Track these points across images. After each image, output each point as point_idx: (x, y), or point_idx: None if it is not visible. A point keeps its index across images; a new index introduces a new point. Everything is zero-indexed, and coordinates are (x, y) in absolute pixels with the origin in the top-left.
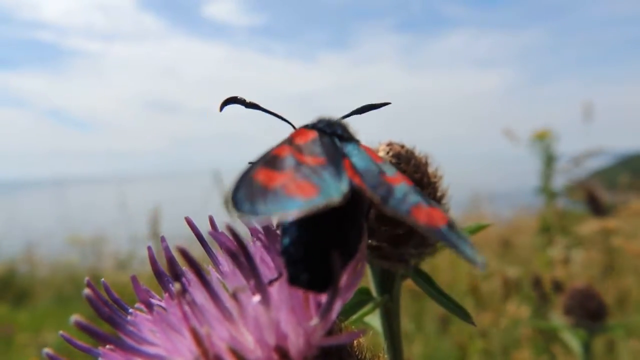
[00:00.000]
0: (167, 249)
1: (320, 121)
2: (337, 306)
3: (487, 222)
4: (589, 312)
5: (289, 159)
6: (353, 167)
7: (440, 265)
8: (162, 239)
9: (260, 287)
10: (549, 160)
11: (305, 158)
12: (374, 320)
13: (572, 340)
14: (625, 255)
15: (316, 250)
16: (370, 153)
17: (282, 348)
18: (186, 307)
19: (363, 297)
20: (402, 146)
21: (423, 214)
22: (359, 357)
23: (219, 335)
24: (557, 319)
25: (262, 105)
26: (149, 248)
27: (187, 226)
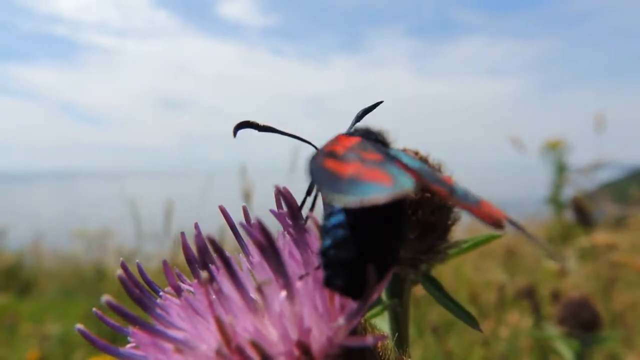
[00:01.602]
0: (198, 237)
1: (359, 129)
2: (362, 309)
3: (498, 232)
4: (583, 322)
5: (349, 154)
6: (406, 166)
7: (444, 273)
8: (196, 226)
9: (286, 281)
10: (561, 170)
11: (364, 154)
12: (383, 323)
13: (565, 351)
14: (629, 269)
15: (357, 257)
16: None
17: (304, 344)
18: (213, 296)
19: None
20: (416, 153)
21: (488, 208)
22: (383, 358)
23: (243, 326)
24: (551, 329)
25: (276, 126)
26: (182, 234)
27: (194, 224)
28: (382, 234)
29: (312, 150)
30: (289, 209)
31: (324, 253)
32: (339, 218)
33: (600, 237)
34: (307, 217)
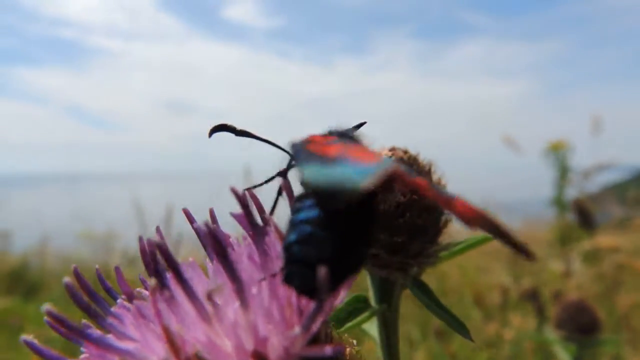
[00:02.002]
0: (149, 243)
1: (333, 131)
2: (321, 318)
3: (482, 236)
4: (581, 326)
5: (330, 142)
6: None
7: (449, 272)
8: (157, 229)
9: (239, 288)
10: (564, 171)
11: (344, 144)
12: (372, 329)
13: (563, 354)
14: (633, 271)
15: (321, 256)
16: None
17: (261, 354)
18: (162, 304)
19: (360, 304)
20: (405, 152)
21: (463, 205)
22: None
23: (195, 336)
24: (550, 332)
25: (253, 131)
26: (140, 239)
27: (156, 227)
28: (351, 234)
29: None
30: (245, 211)
31: (287, 248)
32: (307, 214)
33: (604, 240)
34: (267, 220)
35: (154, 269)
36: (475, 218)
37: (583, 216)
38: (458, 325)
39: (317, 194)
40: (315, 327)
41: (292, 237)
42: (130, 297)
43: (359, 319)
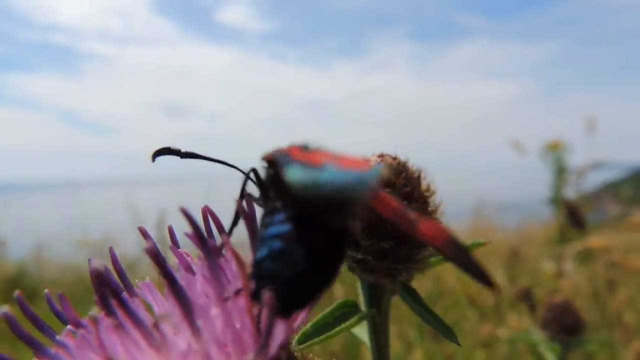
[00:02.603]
0: (92, 270)
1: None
2: (277, 341)
3: (484, 240)
4: (565, 326)
5: (311, 150)
6: None
7: (445, 274)
8: (110, 250)
9: (189, 314)
10: (560, 171)
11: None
12: (362, 333)
13: (548, 354)
14: (626, 270)
15: (292, 270)
16: None
17: None
18: (103, 335)
19: (348, 309)
20: (394, 158)
21: (428, 224)
22: None
23: None
24: (536, 332)
25: (199, 152)
26: (90, 261)
27: (109, 248)
28: (324, 249)
29: (241, 175)
30: (194, 230)
31: (257, 264)
32: (278, 228)
33: (595, 240)
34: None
35: (100, 295)
36: (441, 238)
37: (573, 216)
38: (446, 331)
39: (306, 204)
40: (270, 350)
41: (263, 252)
42: (77, 324)
43: (347, 323)
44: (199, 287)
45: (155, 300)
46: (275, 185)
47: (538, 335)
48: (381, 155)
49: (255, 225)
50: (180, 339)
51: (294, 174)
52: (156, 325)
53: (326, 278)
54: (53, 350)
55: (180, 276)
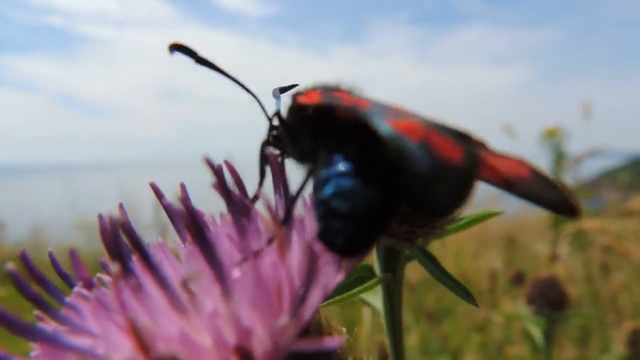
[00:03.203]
0: (111, 221)
1: (324, 86)
2: (314, 301)
3: (496, 211)
4: (550, 301)
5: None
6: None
7: (445, 260)
8: (121, 206)
9: (219, 273)
10: (559, 157)
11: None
12: (376, 299)
13: (534, 329)
14: (620, 254)
15: (365, 208)
16: None
17: (244, 349)
18: (128, 294)
19: (365, 273)
20: None
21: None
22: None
23: (167, 330)
24: (523, 309)
25: (216, 64)
26: (100, 217)
27: (118, 204)
28: (388, 190)
29: (254, 100)
30: (219, 182)
31: (323, 202)
32: (342, 167)
33: (590, 223)
34: (254, 196)
35: (116, 252)
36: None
37: None
38: (463, 292)
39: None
40: (305, 312)
41: (329, 190)
42: (89, 284)
43: (365, 285)
44: (225, 246)
45: (169, 263)
46: (325, 127)
47: (524, 311)
48: None
49: (284, 174)
50: (207, 301)
51: (395, 140)
52: (184, 285)
53: (386, 220)
54: (63, 312)
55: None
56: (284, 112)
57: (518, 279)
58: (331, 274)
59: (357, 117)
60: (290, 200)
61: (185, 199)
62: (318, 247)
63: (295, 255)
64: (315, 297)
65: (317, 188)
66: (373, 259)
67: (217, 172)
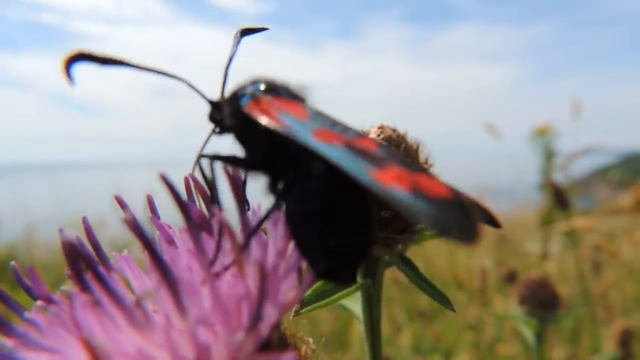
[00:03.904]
0: (65, 241)
1: (268, 84)
2: (271, 317)
3: None
4: (541, 301)
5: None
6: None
7: (436, 257)
8: (83, 220)
9: (174, 290)
10: (549, 156)
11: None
12: (355, 304)
13: (525, 330)
14: (611, 253)
15: (349, 234)
16: None
17: None
18: (78, 312)
19: None
20: (394, 130)
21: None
22: None
23: (124, 347)
24: (515, 309)
25: (126, 60)
26: (61, 232)
27: (58, 229)
28: (371, 212)
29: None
30: (175, 199)
31: (321, 240)
32: (318, 190)
33: (580, 221)
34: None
35: (75, 269)
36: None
37: (558, 197)
38: (442, 298)
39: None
40: (263, 327)
41: (309, 216)
42: (48, 300)
43: (342, 292)
44: (184, 262)
45: (134, 276)
46: (282, 146)
47: (516, 312)
48: (381, 127)
49: (243, 191)
50: (163, 317)
51: (385, 194)
52: (138, 303)
53: (371, 240)
54: (22, 328)
55: (163, 250)
56: (228, 110)
57: (510, 277)
58: (289, 289)
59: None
60: (249, 224)
61: (130, 219)
62: (275, 260)
63: (254, 273)
64: (271, 312)
65: (298, 225)
66: None
67: (170, 187)
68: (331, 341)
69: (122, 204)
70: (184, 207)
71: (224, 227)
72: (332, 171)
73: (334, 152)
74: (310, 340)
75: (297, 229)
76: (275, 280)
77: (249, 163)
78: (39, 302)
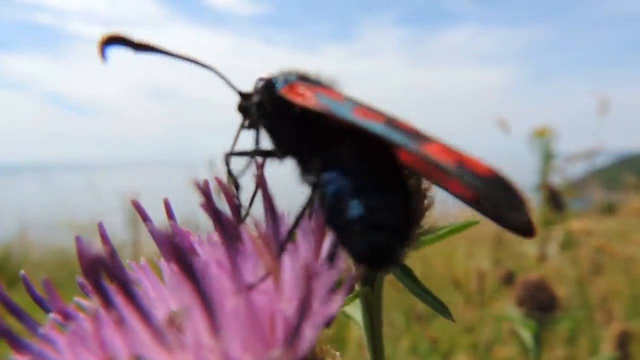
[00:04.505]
0: (85, 250)
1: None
2: (309, 334)
3: (476, 219)
4: (540, 303)
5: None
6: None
7: (434, 259)
8: (99, 226)
9: (208, 308)
10: (548, 157)
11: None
12: (355, 312)
13: (523, 332)
14: (610, 255)
15: (403, 221)
16: None
17: None
18: (105, 330)
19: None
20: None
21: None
22: None
23: None
24: (513, 310)
25: (159, 46)
26: (77, 240)
27: (75, 237)
28: (410, 197)
29: (215, 75)
30: (209, 207)
31: (361, 219)
32: (355, 182)
33: (577, 224)
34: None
35: (96, 284)
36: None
37: (553, 199)
38: (440, 307)
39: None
40: (302, 343)
41: (356, 205)
42: (65, 316)
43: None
44: (213, 273)
45: (152, 286)
46: (318, 130)
47: (514, 313)
48: None
49: (271, 195)
50: (192, 335)
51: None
52: (171, 321)
53: (413, 221)
54: (37, 346)
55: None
56: (257, 98)
57: (508, 279)
58: (328, 302)
59: (362, 129)
60: (282, 228)
61: (168, 224)
62: (312, 272)
63: (288, 284)
64: (310, 329)
65: (339, 205)
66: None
67: (205, 193)
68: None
69: (143, 215)
70: (218, 214)
71: (259, 241)
72: (370, 150)
73: (377, 126)
74: (337, 354)
75: (336, 211)
76: (313, 293)
77: (282, 151)
78: (54, 315)
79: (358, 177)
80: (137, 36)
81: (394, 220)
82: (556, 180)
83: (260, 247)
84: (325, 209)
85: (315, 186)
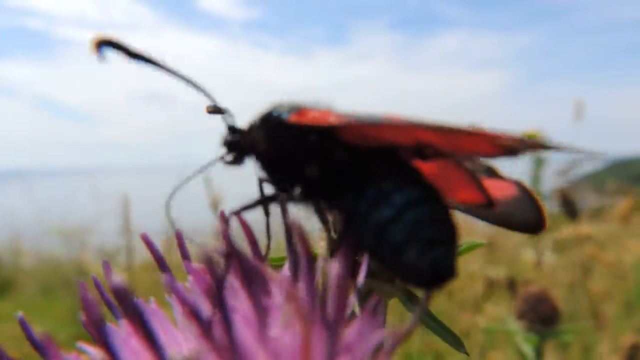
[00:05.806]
0: (85, 295)
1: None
2: None
3: (480, 241)
4: (541, 316)
5: None
6: None
7: None
8: (104, 265)
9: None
10: (539, 162)
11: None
12: None
13: (524, 345)
14: (603, 260)
15: (447, 231)
16: None
17: None
18: None
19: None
20: None
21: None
22: None
23: None
24: (512, 323)
25: (154, 58)
26: (81, 288)
27: (102, 263)
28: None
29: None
30: (231, 252)
31: (413, 234)
32: (407, 196)
33: (583, 228)
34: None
35: (101, 336)
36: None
37: (568, 206)
38: (453, 339)
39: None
40: None
41: (409, 224)
42: None
43: None
44: (239, 331)
45: (163, 329)
46: (343, 153)
47: (514, 326)
48: None
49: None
50: None
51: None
52: None
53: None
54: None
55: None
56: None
57: (509, 286)
58: (364, 343)
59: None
60: (316, 285)
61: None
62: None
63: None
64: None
65: (389, 227)
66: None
67: (228, 241)
68: None
69: (163, 266)
70: (243, 261)
71: (293, 298)
72: (400, 161)
73: (422, 123)
74: None
75: (385, 234)
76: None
77: (302, 186)
78: None
79: (402, 192)
80: (130, 43)
81: (448, 232)
82: (548, 185)
83: (295, 309)
84: (369, 234)
85: (350, 212)
